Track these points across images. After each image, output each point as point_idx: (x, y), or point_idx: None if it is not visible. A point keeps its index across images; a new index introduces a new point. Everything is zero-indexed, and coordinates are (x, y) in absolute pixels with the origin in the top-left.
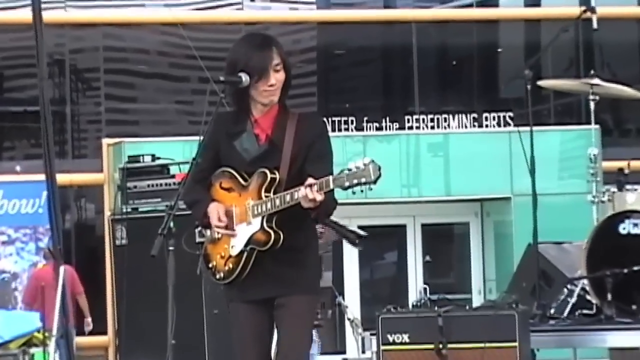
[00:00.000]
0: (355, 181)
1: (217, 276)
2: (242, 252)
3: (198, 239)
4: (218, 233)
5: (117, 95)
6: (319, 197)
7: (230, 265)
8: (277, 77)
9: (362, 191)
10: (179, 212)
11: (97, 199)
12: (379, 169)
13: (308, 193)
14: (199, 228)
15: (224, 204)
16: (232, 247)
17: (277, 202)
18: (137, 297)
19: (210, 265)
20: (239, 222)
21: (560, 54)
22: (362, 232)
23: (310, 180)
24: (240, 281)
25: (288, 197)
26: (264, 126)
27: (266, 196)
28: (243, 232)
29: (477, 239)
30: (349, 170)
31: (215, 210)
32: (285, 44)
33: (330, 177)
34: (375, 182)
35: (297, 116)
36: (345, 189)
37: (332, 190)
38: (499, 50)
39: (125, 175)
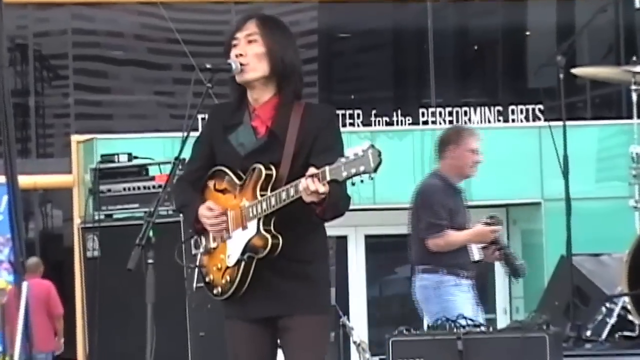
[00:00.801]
0: (353, 170)
1: (215, 291)
2: (239, 261)
3: (194, 251)
4: (214, 240)
5: (88, 85)
6: (322, 188)
7: (228, 278)
8: (246, 49)
9: (362, 181)
10: (159, 220)
11: (66, 204)
12: (379, 154)
13: (310, 184)
14: (194, 237)
15: None
16: (228, 256)
17: (273, 200)
18: (112, 317)
19: (207, 280)
20: (235, 227)
21: (597, 37)
22: (523, 270)
23: (311, 170)
24: (240, 296)
25: (284, 195)
26: (263, 117)
27: (262, 195)
28: (239, 239)
29: None
30: (346, 158)
31: (205, 208)
32: None
33: (327, 167)
34: (375, 170)
35: (303, 106)
36: (344, 180)
37: (341, 182)
38: (528, 33)
39: (98, 177)
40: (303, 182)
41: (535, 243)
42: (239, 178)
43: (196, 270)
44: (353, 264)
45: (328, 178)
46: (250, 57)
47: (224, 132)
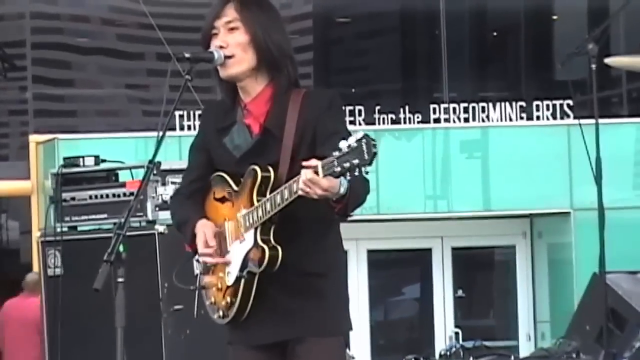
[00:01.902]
0: (347, 165)
1: (216, 315)
2: (238, 279)
3: (197, 271)
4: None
5: (49, 78)
6: (326, 183)
7: (229, 299)
8: (227, 39)
9: (366, 172)
10: (130, 232)
11: (23, 214)
12: (374, 145)
13: (307, 176)
14: (196, 256)
15: (217, 220)
16: (227, 274)
17: (268, 206)
18: (76, 344)
19: (209, 302)
20: (233, 239)
21: (634, 22)
22: None
23: (312, 162)
24: (243, 319)
25: (279, 198)
26: (256, 113)
27: (258, 201)
28: (237, 253)
29: (525, 268)
30: (339, 150)
31: (201, 232)
32: None
33: (319, 163)
34: (370, 162)
35: (302, 94)
36: (337, 176)
37: (354, 170)
38: (555, 17)
39: (60, 183)
40: (302, 175)
41: (564, 259)
42: (237, 184)
43: (196, 293)
44: (354, 283)
45: (321, 175)
46: (233, 47)
47: (219, 135)
